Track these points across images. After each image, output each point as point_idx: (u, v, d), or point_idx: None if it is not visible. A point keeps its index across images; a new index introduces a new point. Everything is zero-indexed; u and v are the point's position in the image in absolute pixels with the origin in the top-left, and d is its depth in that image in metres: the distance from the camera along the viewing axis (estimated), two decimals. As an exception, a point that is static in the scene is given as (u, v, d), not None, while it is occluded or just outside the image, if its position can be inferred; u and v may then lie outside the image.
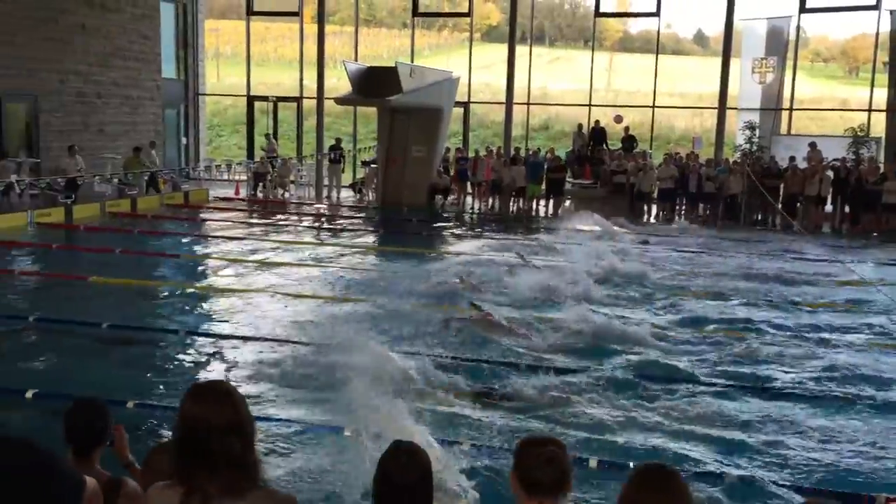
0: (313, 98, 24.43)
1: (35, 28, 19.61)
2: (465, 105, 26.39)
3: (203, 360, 8.40)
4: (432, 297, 10.92)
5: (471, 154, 23.68)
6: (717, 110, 22.59)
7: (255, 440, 2.38)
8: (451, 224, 19.71)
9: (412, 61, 25.53)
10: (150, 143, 22.57)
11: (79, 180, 18.35)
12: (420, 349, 8.25)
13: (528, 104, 26.81)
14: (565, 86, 34.71)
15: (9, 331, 9.04)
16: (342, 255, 14.71)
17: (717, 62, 22.47)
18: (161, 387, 7.45)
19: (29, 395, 6.90)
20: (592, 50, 27.34)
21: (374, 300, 10.47)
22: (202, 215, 19.64)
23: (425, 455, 2.68)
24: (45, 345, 8.60)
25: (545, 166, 21.98)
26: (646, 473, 2.48)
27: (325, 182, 23.95)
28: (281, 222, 19.03)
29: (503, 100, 24.48)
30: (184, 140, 26.67)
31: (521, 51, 24.99)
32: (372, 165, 23.85)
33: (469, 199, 23.27)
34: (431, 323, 9.40)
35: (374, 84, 20.32)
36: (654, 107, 26.08)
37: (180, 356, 8.46)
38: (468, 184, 23.13)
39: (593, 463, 5.80)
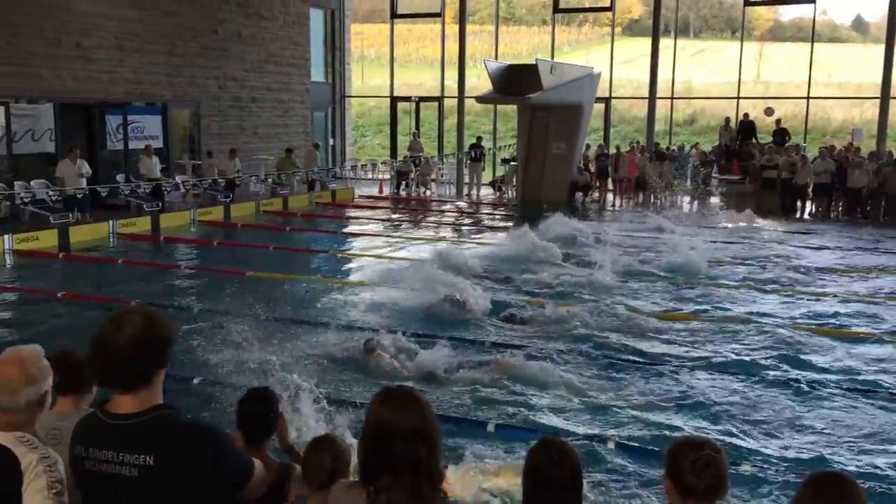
0: (454, 97, 24.78)
1: (197, 39, 20.94)
2: (606, 101, 25.99)
3: (350, 353, 8.72)
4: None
5: (612, 150, 23.33)
6: (879, 100, 21.21)
7: (440, 449, 2.37)
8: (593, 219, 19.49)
9: (552, 58, 25.42)
10: (314, 144, 23.95)
11: (237, 181, 19.43)
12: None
13: (671, 98, 26.11)
14: (711, 78, 33.52)
15: (176, 321, 9.71)
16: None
17: (878, 49, 21.10)
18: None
19: (196, 381, 7.39)
20: (742, 40, 26.27)
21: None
22: (348, 213, 20.36)
23: (575, 452, 2.71)
24: (208, 335, 9.17)
25: (691, 162, 21.40)
26: (822, 482, 2.41)
27: (466, 180, 24.25)
28: (423, 219, 19.44)
29: (646, 94, 23.96)
30: (331, 141, 27.70)
31: (665, 43, 24.37)
32: (512, 163, 23.94)
33: (610, 196, 22.95)
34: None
35: (515, 82, 20.37)
36: (808, 98, 24.78)
37: (331, 349, 8.81)
38: (609, 181, 22.82)
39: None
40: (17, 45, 16.55)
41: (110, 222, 15.97)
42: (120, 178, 18.32)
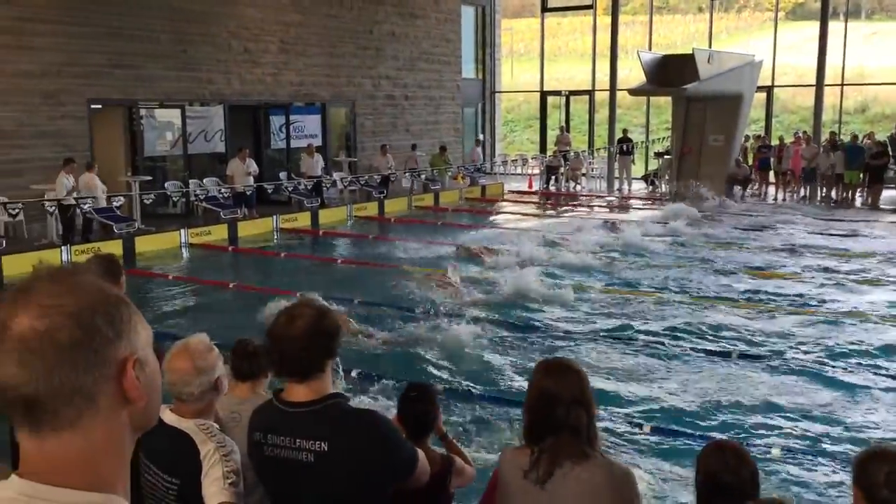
0: (605, 90, 24.36)
1: (354, 39, 21.69)
2: (768, 89, 24.74)
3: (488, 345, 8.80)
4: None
5: (774, 142, 22.20)
6: None
7: (596, 415, 2.69)
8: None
9: (709, 46, 24.48)
10: (476, 140, 24.44)
11: (391, 177, 20.00)
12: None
13: (841, 85, 24.55)
14: (886, 63, 31.20)
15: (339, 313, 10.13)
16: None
17: None
18: (469, 370, 7.94)
19: (353, 374, 7.65)
20: (921, 20, 24.30)
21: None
22: (498, 208, 20.49)
23: (749, 455, 2.69)
24: (367, 326, 9.51)
25: (865, 152, 20.03)
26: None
27: (616, 174, 23.83)
28: (572, 213, 19.26)
29: (811, 82, 22.63)
30: (480, 136, 27.94)
31: (834, 27, 22.91)
32: (665, 156, 23.28)
33: (772, 190, 21.88)
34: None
35: (670, 73, 19.78)
36: None
37: (480, 342, 8.92)
38: (770, 173, 21.74)
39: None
40: (192, 54, 17.75)
41: (274, 217, 16.84)
42: (282, 175, 19.30)
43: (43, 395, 1.08)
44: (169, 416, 2.66)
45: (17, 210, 13.36)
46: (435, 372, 7.91)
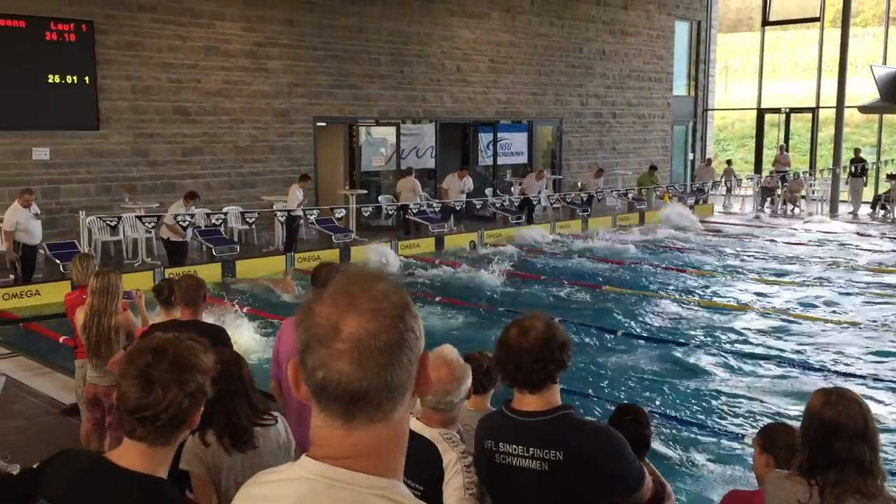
0: (831, 107, 22.75)
1: (563, 57, 21.75)
2: None
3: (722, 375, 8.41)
4: None
5: None
6: None
7: (879, 448, 2.59)
8: None
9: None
10: (706, 160, 23.86)
11: (596, 196, 19.80)
12: None
13: None
14: None
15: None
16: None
17: None
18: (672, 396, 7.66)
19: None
20: None
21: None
22: (707, 229, 19.65)
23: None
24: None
25: None
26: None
27: (843, 197, 22.13)
28: (793, 239, 18.08)
29: None
30: (690, 155, 27.01)
31: None
32: (899, 179, 21.35)
33: None
34: None
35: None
36: None
37: (712, 367, 8.58)
38: None
39: None
40: (408, 74, 18.57)
41: (479, 232, 17.17)
42: (488, 191, 19.67)
43: (371, 391, 1.17)
44: (415, 424, 2.76)
45: (252, 219, 14.56)
46: (646, 395, 7.70)
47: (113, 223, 13.15)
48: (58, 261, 11.94)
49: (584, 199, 19.50)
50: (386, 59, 18.14)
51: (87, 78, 13.82)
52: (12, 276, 11.62)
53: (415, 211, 16.39)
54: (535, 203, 18.49)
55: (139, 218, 13.06)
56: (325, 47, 17.09)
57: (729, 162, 24.29)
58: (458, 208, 17.39)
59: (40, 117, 13.42)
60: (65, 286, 10.63)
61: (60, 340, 8.71)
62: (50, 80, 13.44)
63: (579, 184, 21.01)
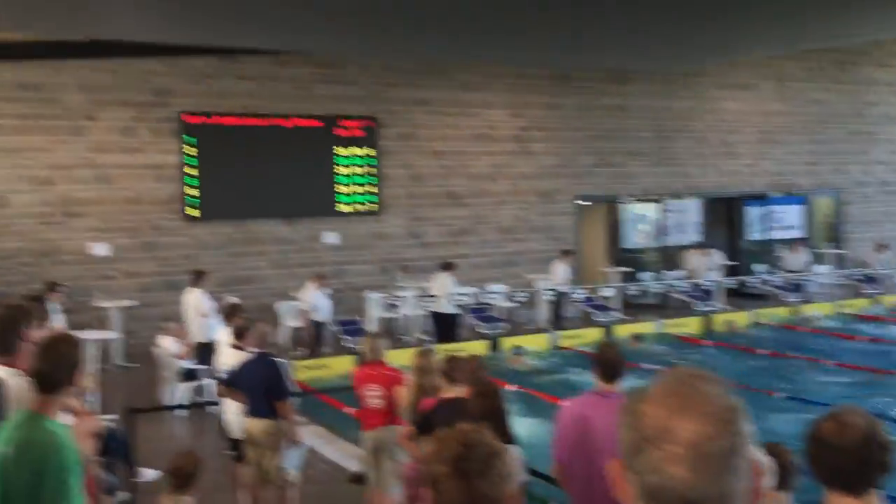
0: None
1: (841, 125, 20.30)
2: None
3: None
4: None
5: None
6: None
7: None
8: None
9: None
10: None
11: (881, 272, 18.00)
12: None
13: None
14: None
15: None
16: None
17: None
18: None
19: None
20: None
21: None
22: None
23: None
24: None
25: None
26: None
27: None
28: None
29: None
30: None
31: None
32: None
33: None
34: None
35: None
36: None
37: None
38: None
39: None
40: (669, 148, 18.32)
41: (751, 312, 16.21)
42: (758, 267, 18.59)
43: (706, 498, 1.12)
44: None
45: (520, 298, 14.97)
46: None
47: (395, 302, 14.07)
48: (344, 336, 13.00)
49: (867, 276, 17.78)
50: (648, 135, 18.07)
51: (371, 168, 15.18)
52: (306, 350, 12.81)
53: (679, 289, 15.91)
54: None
55: (416, 297, 13.90)
56: (588, 128, 17.40)
57: None
58: (711, 286, 16.68)
59: (330, 205, 14.89)
60: (350, 360, 11.56)
61: (347, 412, 9.39)
62: (339, 172, 14.92)
63: (864, 259, 19.23)
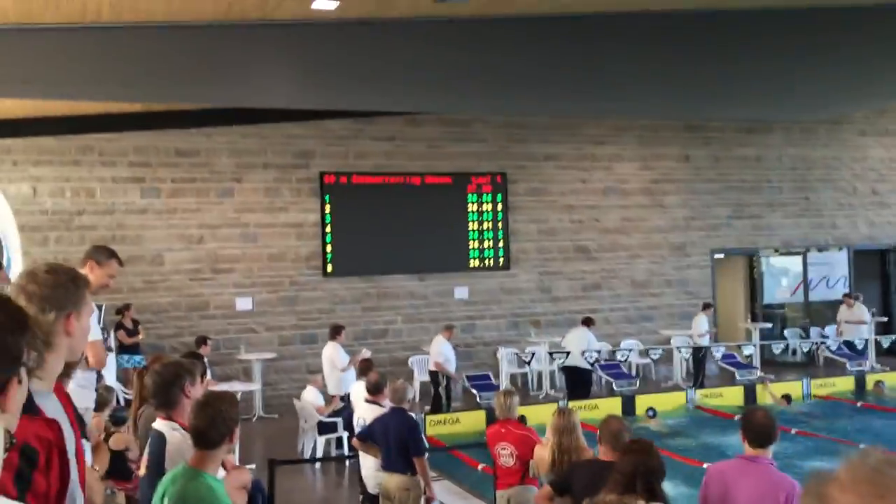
0: None
1: None
2: None
3: None
4: None
5: None
6: None
7: None
8: None
9: None
10: None
11: None
12: None
13: None
14: None
15: None
16: None
17: None
18: None
19: None
20: None
21: None
22: None
23: None
24: None
25: None
26: None
27: None
28: None
29: None
30: None
31: None
32: None
33: None
34: None
35: None
36: None
37: None
38: None
39: None
40: (813, 199, 17.53)
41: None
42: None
43: None
44: None
45: (656, 355, 14.58)
46: None
47: (527, 359, 13.99)
48: (475, 391, 13.00)
49: None
50: (788, 185, 17.39)
51: (500, 223, 15.30)
52: (441, 398, 12.85)
53: (828, 347, 15.04)
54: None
55: (547, 352, 13.77)
56: (722, 179, 16.92)
57: None
58: (860, 344, 15.62)
59: (461, 261, 15.07)
60: (480, 414, 11.54)
61: (479, 468, 9.35)
62: (470, 228, 15.12)
63: None
